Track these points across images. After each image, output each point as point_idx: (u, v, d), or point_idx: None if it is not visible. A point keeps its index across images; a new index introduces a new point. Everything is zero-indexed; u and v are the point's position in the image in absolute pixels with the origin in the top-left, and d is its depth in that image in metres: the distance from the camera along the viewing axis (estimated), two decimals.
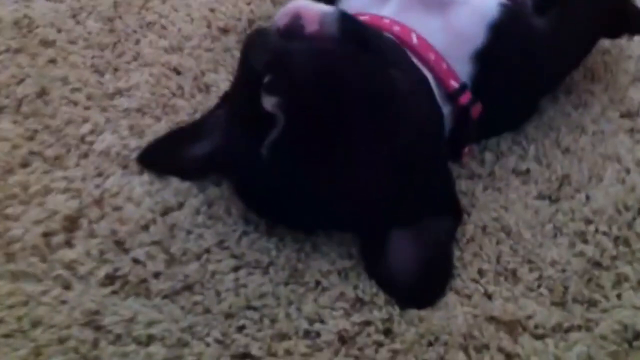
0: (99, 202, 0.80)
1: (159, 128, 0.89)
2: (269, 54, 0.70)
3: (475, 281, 0.75)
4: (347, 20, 0.73)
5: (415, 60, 0.80)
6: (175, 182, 0.83)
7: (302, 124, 0.70)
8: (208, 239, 0.77)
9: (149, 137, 0.88)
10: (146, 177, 0.83)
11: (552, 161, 0.86)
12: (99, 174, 0.84)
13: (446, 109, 0.81)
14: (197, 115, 0.90)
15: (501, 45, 0.81)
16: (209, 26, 0.98)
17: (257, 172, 0.73)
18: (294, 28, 0.71)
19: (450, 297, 0.73)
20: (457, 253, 0.78)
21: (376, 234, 0.75)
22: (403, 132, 0.73)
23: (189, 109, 0.91)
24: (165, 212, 0.80)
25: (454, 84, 0.81)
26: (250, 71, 0.71)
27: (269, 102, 0.69)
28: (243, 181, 0.77)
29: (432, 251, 0.75)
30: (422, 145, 0.76)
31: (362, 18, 0.78)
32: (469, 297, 0.74)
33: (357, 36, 0.73)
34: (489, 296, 0.74)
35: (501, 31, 0.81)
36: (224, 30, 0.98)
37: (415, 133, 0.75)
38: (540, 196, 0.83)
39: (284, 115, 0.69)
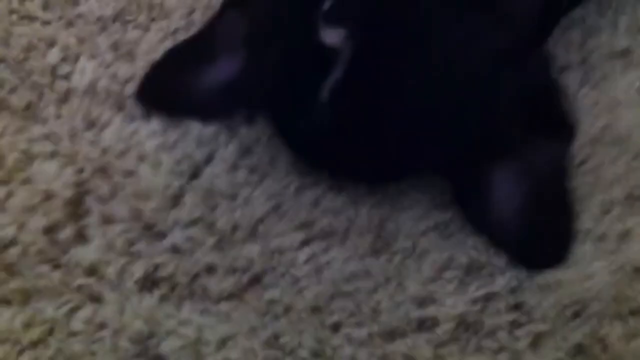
0: (103, 169, 0.63)
1: (150, 44, 0.70)
2: None
3: (604, 215, 0.63)
4: None
5: None
6: (193, 127, 0.66)
7: (374, 53, 0.54)
8: (257, 203, 0.62)
9: (142, 61, 0.69)
10: (154, 123, 0.66)
11: None
12: (91, 125, 0.66)
13: None
14: (196, 18, 0.72)
15: None
16: None
17: (314, 117, 0.57)
18: None
19: (584, 245, 0.61)
20: None
21: (471, 170, 0.62)
22: (499, 26, 0.58)
23: (182, 8, 0.72)
24: (194, 173, 0.64)
25: None
26: None
27: (331, 35, 0.52)
28: (292, 129, 0.62)
29: (546, 186, 0.62)
30: (521, 35, 0.61)
31: None
32: (601, 238, 0.62)
33: None
34: (624, 236, 0.62)
35: None
36: None
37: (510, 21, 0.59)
38: None
39: (351, 48, 0.53)
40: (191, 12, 0.71)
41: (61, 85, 0.67)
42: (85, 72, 0.68)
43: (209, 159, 0.64)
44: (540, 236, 0.61)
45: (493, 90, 0.58)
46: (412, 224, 0.61)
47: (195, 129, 0.65)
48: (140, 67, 0.68)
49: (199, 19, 0.71)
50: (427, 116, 0.57)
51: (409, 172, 0.61)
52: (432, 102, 0.56)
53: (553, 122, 0.63)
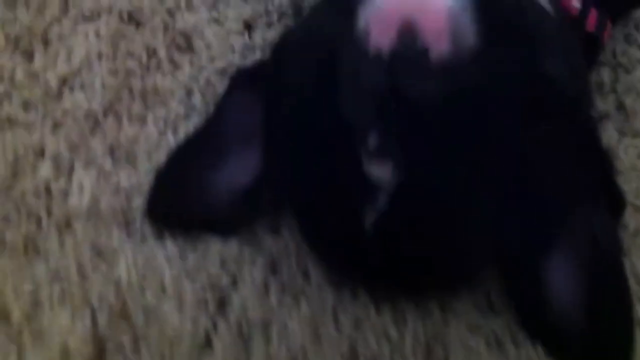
0: (122, 312, 0.55)
1: (150, 140, 0.61)
2: (372, 101, 0.44)
3: None
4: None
5: None
6: (213, 244, 0.57)
7: (420, 185, 0.46)
8: (295, 335, 0.55)
9: (145, 164, 0.60)
10: (170, 244, 0.58)
11: None
12: (99, 254, 0.58)
13: None
14: (196, 101, 0.63)
15: None
16: None
17: (357, 246, 0.50)
18: (410, 52, 0.44)
19: None
20: None
21: (524, 266, 0.55)
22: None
23: (179, 89, 0.63)
24: (222, 301, 0.56)
25: (576, 4, 0.57)
26: (335, 118, 0.45)
27: (377, 169, 0.45)
28: (328, 250, 0.55)
29: (604, 273, 0.55)
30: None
31: None
32: None
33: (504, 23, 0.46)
34: None
35: None
36: None
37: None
38: None
39: (397, 181, 0.45)
40: (189, 93, 0.61)
41: (59, 208, 0.58)
42: (83, 187, 0.58)
43: (235, 282, 0.56)
44: (603, 334, 0.54)
45: (539, 191, 0.51)
46: (462, 341, 0.55)
47: (216, 246, 0.57)
48: (143, 172, 0.59)
49: (200, 102, 0.61)
50: (477, 235, 0.50)
51: (460, 285, 0.55)
52: (480, 223, 0.49)
53: (602, 195, 0.56)
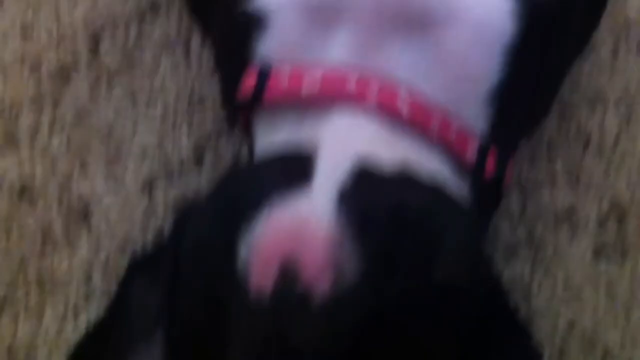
0: None
1: (48, 340, 0.52)
2: (260, 349, 0.36)
3: None
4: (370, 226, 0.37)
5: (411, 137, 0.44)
6: None
7: None
8: None
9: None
10: None
11: (591, 177, 0.56)
12: None
13: (465, 186, 0.48)
14: (96, 283, 0.53)
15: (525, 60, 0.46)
16: None
17: None
18: (291, 295, 0.36)
19: None
20: None
21: None
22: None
23: (76, 270, 0.53)
24: None
25: (472, 152, 0.48)
26: None
27: None
28: None
29: None
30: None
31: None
32: None
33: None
34: None
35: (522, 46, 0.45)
36: None
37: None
38: (601, 256, 0.55)
39: None
40: (89, 277, 0.52)
41: None
42: None
43: None
44: None
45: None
46: None
47: None
48: None
49: (100, 284, 0.52)
50: None
51: None
52: None
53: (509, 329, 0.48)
